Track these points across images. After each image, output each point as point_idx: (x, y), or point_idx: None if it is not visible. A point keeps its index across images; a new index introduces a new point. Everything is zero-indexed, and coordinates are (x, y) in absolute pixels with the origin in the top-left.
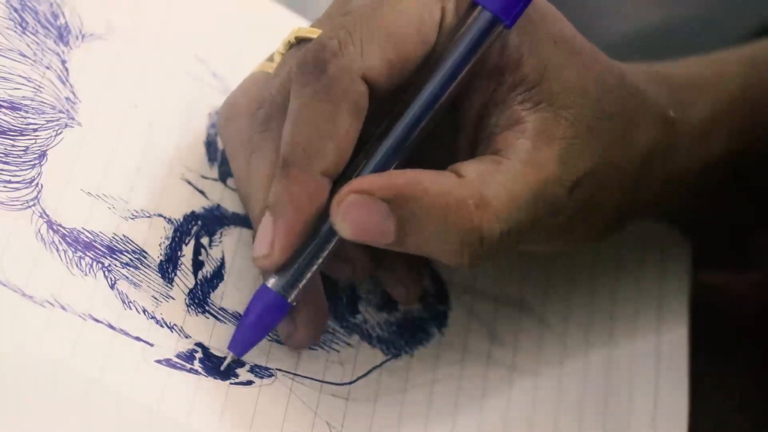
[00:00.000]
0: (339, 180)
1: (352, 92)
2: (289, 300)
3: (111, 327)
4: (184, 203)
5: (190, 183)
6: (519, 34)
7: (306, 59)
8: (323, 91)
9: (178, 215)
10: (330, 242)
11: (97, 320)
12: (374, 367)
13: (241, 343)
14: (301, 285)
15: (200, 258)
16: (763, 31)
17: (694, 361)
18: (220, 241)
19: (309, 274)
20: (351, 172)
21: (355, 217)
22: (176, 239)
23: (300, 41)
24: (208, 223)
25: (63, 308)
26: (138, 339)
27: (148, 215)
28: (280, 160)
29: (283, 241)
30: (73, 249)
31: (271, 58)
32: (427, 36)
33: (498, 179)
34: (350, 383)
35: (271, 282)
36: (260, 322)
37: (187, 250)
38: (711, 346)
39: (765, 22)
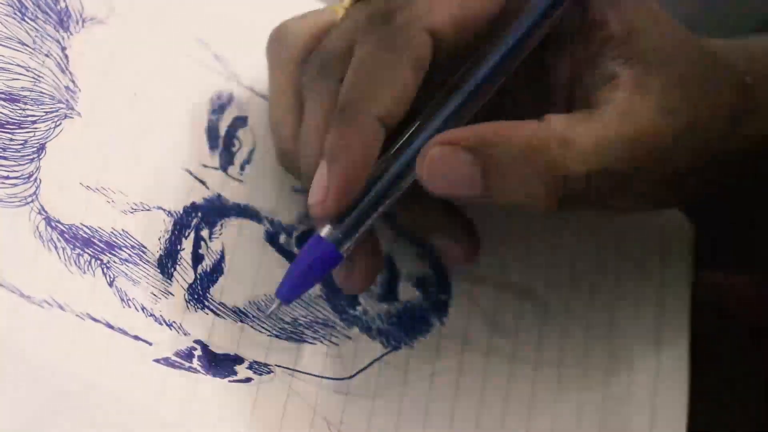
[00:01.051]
0: (397, 136)
1: (416, 44)
2: (342, 251)
3: (109, 326)
4: (184, 194)
5: (190, 173)
6: None
7: (375, 9)
8: (387, 40)
9: (178, 207)
10: (387, 196)
11: (95, 320)
12: (374, 360)
13: (288, 291)
14: (354, 238)
15: (200, 251)
16: (763, 31)
17: (694, 360)
18: (221, 233)
19: (363, 228)
20: (413, 130)
21: (440, 168)
22: (176, 232)
23: None
24: (208, 214)
25: (61, 308)
26: (137, 338)
27: (147, 208)
28: (339, 104)
29: (338, 187)
30: (71, 246)
31: (341, 2)
32: None
33: (585, 125)
34: (350, 378)
35: (325, 232)
36: (310, 272)
37: (187, 243)
38: (711, 345)
39: (765, 22)
